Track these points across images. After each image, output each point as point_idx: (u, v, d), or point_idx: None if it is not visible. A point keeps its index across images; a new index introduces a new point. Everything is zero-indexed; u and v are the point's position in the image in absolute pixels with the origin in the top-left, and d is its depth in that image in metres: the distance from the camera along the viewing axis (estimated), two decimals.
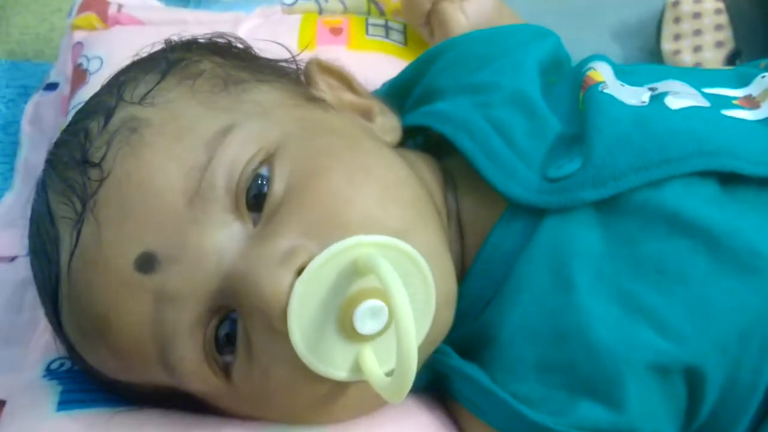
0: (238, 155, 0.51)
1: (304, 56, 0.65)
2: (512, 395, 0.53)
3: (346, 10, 0.90)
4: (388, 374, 0.48)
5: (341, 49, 0.83)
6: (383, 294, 0.47)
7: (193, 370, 0.52)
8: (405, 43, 0.85)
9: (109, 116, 0.55)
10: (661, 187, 0.53)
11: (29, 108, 0.92)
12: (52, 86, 0.92)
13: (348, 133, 0.57)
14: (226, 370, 0.52)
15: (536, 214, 0.55)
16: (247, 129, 0.52)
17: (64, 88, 0.87)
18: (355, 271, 0.47)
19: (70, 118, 0.71)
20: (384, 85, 0.69)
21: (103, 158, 0.52)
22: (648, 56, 0.92)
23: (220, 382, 0.52)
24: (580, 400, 0.52)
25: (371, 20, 0.87)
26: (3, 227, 0.82)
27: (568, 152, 0.56)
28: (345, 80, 0.63)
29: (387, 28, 0.86)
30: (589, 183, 0.54)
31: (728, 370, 0.53)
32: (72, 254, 0.53)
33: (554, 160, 0.56)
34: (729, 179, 0.54)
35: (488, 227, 0.56)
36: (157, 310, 0.51)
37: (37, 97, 0.92)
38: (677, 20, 0.89)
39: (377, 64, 0.78)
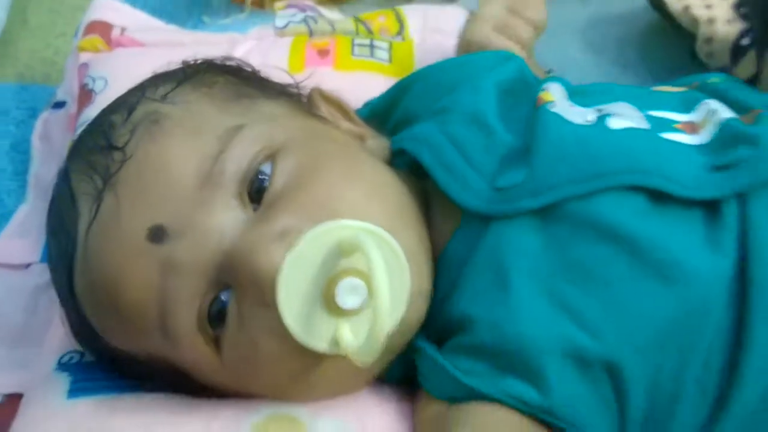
0: (246, 150, 0.57)
1: (307, 83, 0.70)
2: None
3: (334, 32, 0.95)
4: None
5: (328, 70, 0.88)
6: (363, 274, 0.52)
7: (188, 337, 0.57)
8: (390, 60, 0.90)
9: (132, 110, 0.61)
10: (593, 199, 0.58)
11: (39, 124, 0.96)
12: (59, 104, 0.97)
13: (345, 143, 0.64)
14: (216, 342, 0.57)
15: (486, 220, 0.60)
16: (256, 130, 0.59)
17: (71, 107, 0.91)
18: (340, 250, 0.53)
19: (77, 134, 0.75)
20: (365, 105, 0.75)
21: (126, 143, 0.58)
22: (621, 69, 0.97)
23: (210, 352, 0.57)
24: (507, 377, 0.57)
25: (357, 40, 0.91)
26: (18, 236, 0.87)
27: (517, 165, 0.61)
28: (343, 110, 0.69)
29: (372, 47, 0.91)
30: (529, 193, 0.59)
31: (650, 373, 0.57)
32: (90, 225, 0.58)
33: (504, 171, 0.61)
34: (658, 196, 0.58)
35: (450, 234, 0.62)
36: (162, 277, 0.56)
37: (46, 114, 0.97)
38: None
39: (362, 83, 0.83)
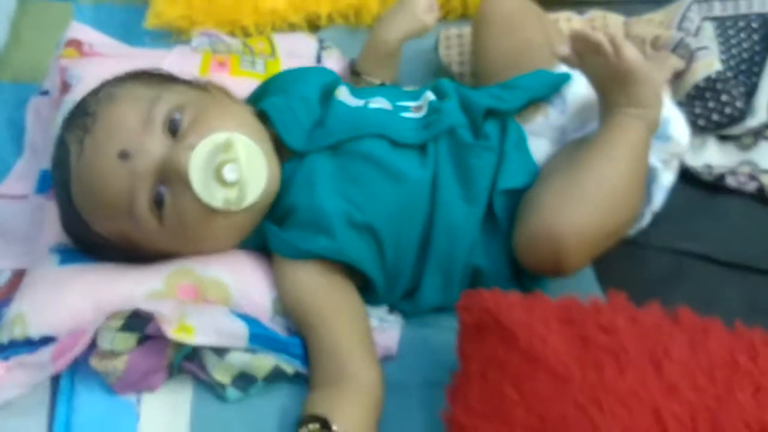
0: (165, 106, 0.81)
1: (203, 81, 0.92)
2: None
3: (230, 51, 1.13)
4: None
5: (226, 75, 1.06)
6: (237, 160, 0.79)
7: (144, 215, 0.80)
8: (264, 71, 1.08)
9: (97, 94, 0.85)
10: (358, 141, 0.87)
11: (31, 105, 1.12)
12: (45, 92, 1.11)
13: (224, 101, 0.88)
14: (159, 219, 0.81)
15: (302, 155, 0.87)
16: (169, 96, 0.83)
17: (55, 94, 1.06)
18: (222, 149, 0.80)
19: (59, 112, 0.98)
20: (247, 97, 0.98)
21: (94, 111, 0.82)
22: (435, 72, 1.19)
23: (156, 224, 0.81)
24: (317, 238, 0.84)
25: (243, 57, 1.10)
26: (19, 179, 1.05)
27: (320, 126, 0.89)
28: (225, 92, 0.92)
29: (253, 63, 1.10)
30: (323, 138, 0.88)
31: (395, 233, 0.85)
32: (79, 156, 0.81)
33: (314, 129, 0.89)
34: (393, 143, 0.87)
35: (283, 163, 0.87)
36: (129, 180, 0.79)
37: (36, 99, 1.12)
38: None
39: (247, 85, 1.01)
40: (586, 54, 0.86)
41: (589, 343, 0.70)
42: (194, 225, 0.82)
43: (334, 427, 0.73)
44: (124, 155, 0.80)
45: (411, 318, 0.90)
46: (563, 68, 0.97)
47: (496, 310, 0.74)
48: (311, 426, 0.72)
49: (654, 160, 0.90)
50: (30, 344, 0.81)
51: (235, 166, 0.80)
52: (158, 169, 0.80)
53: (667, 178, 0.93)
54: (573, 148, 0.90)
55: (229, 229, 0.85)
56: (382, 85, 1.09)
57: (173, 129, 0.81)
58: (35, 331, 0.81)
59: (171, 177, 0.80)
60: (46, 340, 0.81)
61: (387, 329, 0.87)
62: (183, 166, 0.79)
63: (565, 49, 0.87)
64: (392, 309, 0.90)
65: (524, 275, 0.89)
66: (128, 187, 0.80)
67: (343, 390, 0.77)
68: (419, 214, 0.86)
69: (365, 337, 0.83)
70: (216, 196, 0.80)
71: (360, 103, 0.93)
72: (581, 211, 0.79)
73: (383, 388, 0.80)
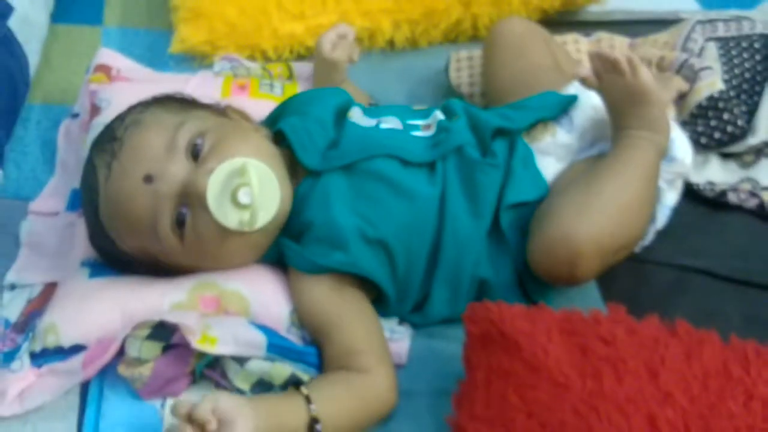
0: (187, 132, 0.84)
1: (230, 104, 0.97)
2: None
3: (249, 75, 1.16)
4: None
5: (246, 97, 1.10)
6: (251, 184, 0.82)
7: (166, 234, 0.84)
8: (282, 94, 1.11)
9: (123, 119, 0.88)
10: (370, 161, 0.90)
11: (62, 127, 1.14)
12: (75, 115, 1.14)
13: (243, 127, 0.92)
14: (180, 237, 0.84)
15: (318, 174, 0.90)
16: (192, 122, 0.86)
17: (84, 117, 1.08)
18: (238, 174, 0.83)
19: (89, 134, 1.01)
20: (266, 118, 1.01)
21: (122, 136, 0.86)
22: (445, 93, 1.20)
23: (177, 242, 0.84)
24: (333, 253, 0.87)
25: (263, 81, 1.13)
26: (50, 196, 1.08)
27: (334, 147, 0.92)
28: (244, 116, 0.97)
29: (272, 86, 1.13)
30: (338, 158, 0.90)
31: (405, 247, 0.88)
32: (107, 179, 0.84)
33: (328, 149, 0.92)
34: (404, 162, 0.90)
35: (299, 182, 0.90)
36: (153, 201, 0.83)
37: (67, 121, 1.15)
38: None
39: (265, 106, 1.04)
40: (604, 73, 0.90)
41: (589, 353, 0.74)
42: (212, 244, 0.85)
43: (308, 399, 0.77)
44: (148, 179, 0.83)
45: (420, 329, 0.93)
46: (571, 90, 1.00)
47: (501, 321, 0.77)
48: None
49: (659, 180, 0.94)
50: (61, 352, 0.85)
51: (249, 190, 0.82)
52: (180, 192, 0.83)
53: (670, 198, 0.97)
54: (587, 165, 0.94)
55: (245, 247, 0.88)
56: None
57: (195, 154, 0.85)
58: (66, 340, 0.85)
59: (191, 199, 0.83)
60: (77, 349, 0.85)
61: (397, 340, 0.90)
62: (202, 190, 0.82)
63: (585, 69, 0.91)
64: (402, 321, 0.93)
65: (530, 287, 0.92)
66: (152, 208, 0.83)
67: (340, 375, 0.81)
68: (428, 229, 0.89)
69: (379, 341, 0.87)
70: (231, 218, 0.83)
71: (372, 123, 0.96)
72: (597, 220, 0.83)
73: (394, 392, 0.83)
